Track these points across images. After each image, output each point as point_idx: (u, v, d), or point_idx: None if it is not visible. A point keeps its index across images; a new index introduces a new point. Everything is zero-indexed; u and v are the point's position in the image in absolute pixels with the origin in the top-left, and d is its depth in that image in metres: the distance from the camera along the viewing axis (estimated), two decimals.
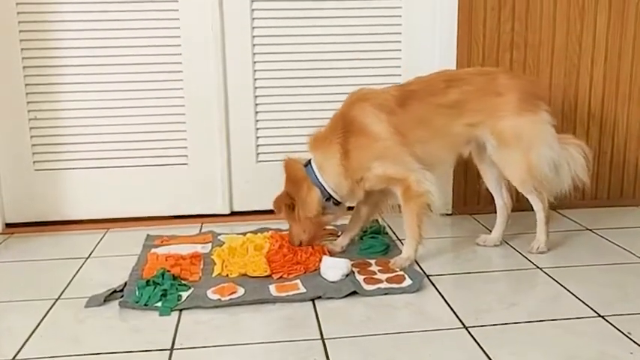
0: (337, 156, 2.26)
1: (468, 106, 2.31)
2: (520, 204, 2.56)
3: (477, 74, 2.39)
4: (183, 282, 2.15)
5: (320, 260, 2.24)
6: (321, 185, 2.29)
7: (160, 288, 2.06)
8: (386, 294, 2.08)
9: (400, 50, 2.87)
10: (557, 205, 2.64)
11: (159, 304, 2.01)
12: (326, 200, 2.32)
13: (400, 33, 2.86)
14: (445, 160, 2.42)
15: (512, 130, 2.30)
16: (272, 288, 2.11)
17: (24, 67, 2.71)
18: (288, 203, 2.31)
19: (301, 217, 2.31)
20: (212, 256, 2.38)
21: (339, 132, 2.26)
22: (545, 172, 2.33)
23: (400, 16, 2.84)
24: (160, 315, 1.96)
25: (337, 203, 2.35)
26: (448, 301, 2.03)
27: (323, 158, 2.29)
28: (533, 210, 2.43)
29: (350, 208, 2.48)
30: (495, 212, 2.54)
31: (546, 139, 2.34)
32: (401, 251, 2.40)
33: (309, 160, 2.33)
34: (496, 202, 2.54)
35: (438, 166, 2.35)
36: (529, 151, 2.31)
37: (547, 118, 2.35)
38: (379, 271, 2.25)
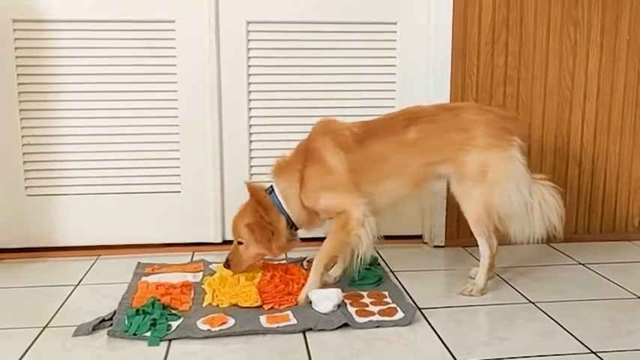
0: (297, 185, 2.28)
1: (431, 143, 2.26)
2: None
3: (441, 111, 2.33)
4: (173, 311, 2.13)
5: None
6: (285, 213, 2.31)
7: (149, 317, 2.04)
8: (378, 327, 2.06)
9: (394, 82, 2.89)
10: (549, 239, 2.63)
11: (148, 333, 1.98)
12: (290, 228, 2.35)
13: (395, 65, 2.88)
14: (407, 197, 2.35)
15: (476, 165, 2.24)
16: (263, 319, 2.09)
17: (19, 93, 2.71)
18: (261, 223, 2.29)
19: (269, 243, 2.32)
20: (203, 286, 2.36)
21: (300, 160, 2.30)
22: (506, 213, 2.26)
23: (395, 49, 2.88)
24: (149, 345, 1.93)
25: (297, 229, 2.38)
26: (440, 335, 2.01)
27: (287, 186, 2.31)
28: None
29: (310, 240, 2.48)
30: None
31: (514, 177, 2.25)
32: (394, 283, 2.40)
33: (272, 187, 2.35)
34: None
35: (400, 202, 2.31)
36: (493, 188, 2.24)
37: (517, 154, 2.26)
38: (371, 303, 2.24)
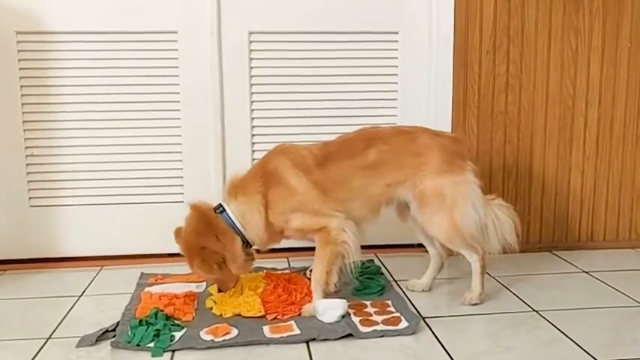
0: (260, 209, 2.23)
1: (388, 166, 2.27)
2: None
3: (396, 134, 2.34)
4: (176, 322, 2.13)
5: None
6: (240, 233, 2.26)
7: (152, 328, 2.04)
8: (382, 336, 2.06)
9: (396, 92, 2.90)
10: (553, 246, 2.62)
11: (151, 344, 1.98)
12: (246, 247, 2.30)
13: (397, 74, 2.89)
14: (367, 218, 2.34)
15: (433, 190, 2.26)
16: (266, 329, 2.09)
17: (22, 104, 2.73)
18: (219, 261, 2.22)
19: (231, 268, 2.25)
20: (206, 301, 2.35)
21: (259, 183, 2.25)
22: (472, 229, 2.28)
23: (397, 57, 2.88)
24: (153, 356, 1.93)
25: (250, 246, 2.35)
26: (444, 344, 2.01)
27: (247, 209, 2.25)
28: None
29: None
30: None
31: (470, 198, 2.28)
32: (397, 292, 2.39)
33: (221, 207, 2.28)
34: (429, 251, 2.51)
35: (359, 223, 2.30)
36: (452, 210, 2.26)
37: (471, 178, 2.30)
38: (375, 312, 2.23)
